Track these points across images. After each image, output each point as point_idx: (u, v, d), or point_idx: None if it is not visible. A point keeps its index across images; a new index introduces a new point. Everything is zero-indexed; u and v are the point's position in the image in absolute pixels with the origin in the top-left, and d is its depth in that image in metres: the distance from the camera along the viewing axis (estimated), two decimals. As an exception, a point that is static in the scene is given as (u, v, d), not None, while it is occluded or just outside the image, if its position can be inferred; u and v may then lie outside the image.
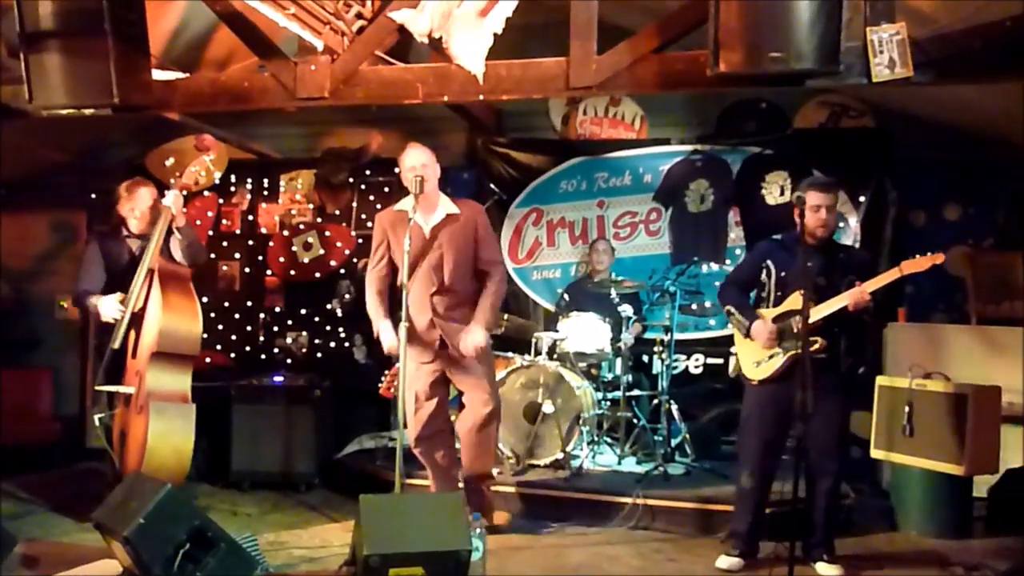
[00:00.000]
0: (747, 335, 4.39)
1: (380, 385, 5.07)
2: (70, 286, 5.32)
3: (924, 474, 5.06)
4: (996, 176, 6.25)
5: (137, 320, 4.83)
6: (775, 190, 6.56)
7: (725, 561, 4.37)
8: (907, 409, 5.14)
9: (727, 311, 4.54)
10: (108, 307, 4.85)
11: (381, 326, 4.65)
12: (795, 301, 4.28)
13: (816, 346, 4.17)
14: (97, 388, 4.88)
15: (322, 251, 7.24)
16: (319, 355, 7.22)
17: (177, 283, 4.88)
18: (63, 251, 7.79)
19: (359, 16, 4.65)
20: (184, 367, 4.82)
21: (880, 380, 5.54)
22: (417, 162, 4.50)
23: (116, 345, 4.81)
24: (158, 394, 4.65)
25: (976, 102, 5.38)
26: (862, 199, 6.43)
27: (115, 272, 5.04)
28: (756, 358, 4.41)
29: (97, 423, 4.82)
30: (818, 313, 4.18)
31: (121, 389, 4.79)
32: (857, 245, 6.39)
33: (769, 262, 4.45)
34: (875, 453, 5.45)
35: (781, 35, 3.63)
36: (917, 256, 4.26)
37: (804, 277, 4.04)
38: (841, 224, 6.45)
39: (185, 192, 5.09)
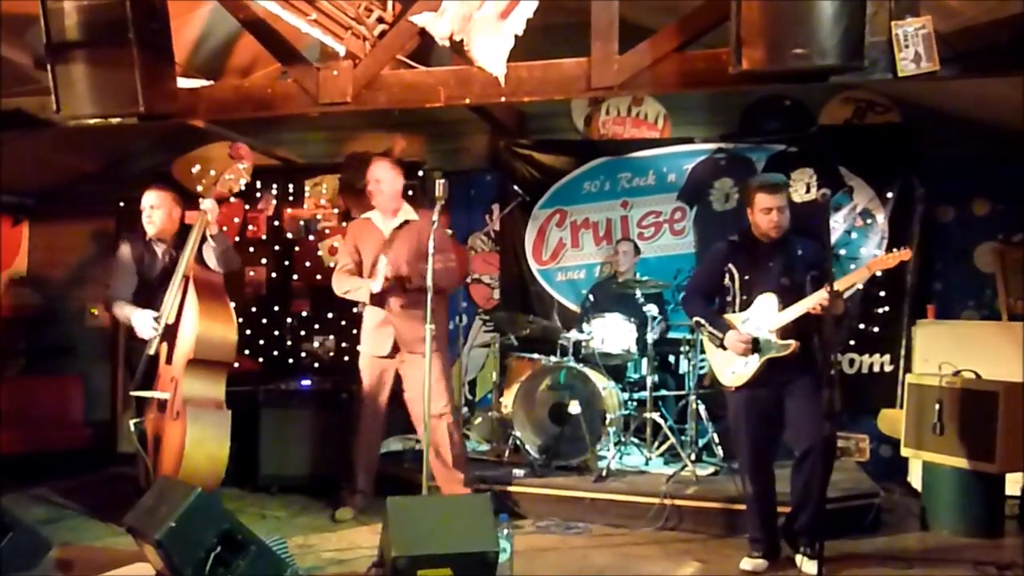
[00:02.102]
0: (720, 346, 4.35)
1: None
2: (101, 293, 5.36)
3: (955, 472, 5.01)
4: (1025, 170, 6.17)
5: (171, 327, 4.87)
6: (801, 187, 6.51)
7: (749, 563, 4.33)
8: (937, 407, 5.11)
9: (696, 323, 4.52)
10: (142, 325, 4.88)
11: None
12: (763, 304, 4.26)
13: (790, 350, 4.16)
14: (132, 393, 4.93)
15: (347, 255, 7.26)
16: (346, 358, 7.22)
17: (212, 290, 4.91)
18: (93, 259, 7.89)
19: (380, 21, 4.65)
20: (219, 374, 4.84)
21: (910, 378, 5.51)
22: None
23: (152, 351, 4.86)
24: (194, 401, 4.67)
25: (1003, 96, 5.31)
26: (889, 195, 6.38)
27: (147, 279, 5.10)
28: (730, 366, 4.37)
29: (132, 428, 4.86)
30: (783, 320, 4.18)
31: (157, 395, 4.83)
32: (885, 242, 6.35)
33: (731, 266, 4.40)
34: (905, 451, 5.43)
35: (804, 31, 3.59)
36: (884, 254, 4.23)
37: (769, 277, 4.20)
38: (868, 221, 6.42)
39: (217, 200, 5.12)
